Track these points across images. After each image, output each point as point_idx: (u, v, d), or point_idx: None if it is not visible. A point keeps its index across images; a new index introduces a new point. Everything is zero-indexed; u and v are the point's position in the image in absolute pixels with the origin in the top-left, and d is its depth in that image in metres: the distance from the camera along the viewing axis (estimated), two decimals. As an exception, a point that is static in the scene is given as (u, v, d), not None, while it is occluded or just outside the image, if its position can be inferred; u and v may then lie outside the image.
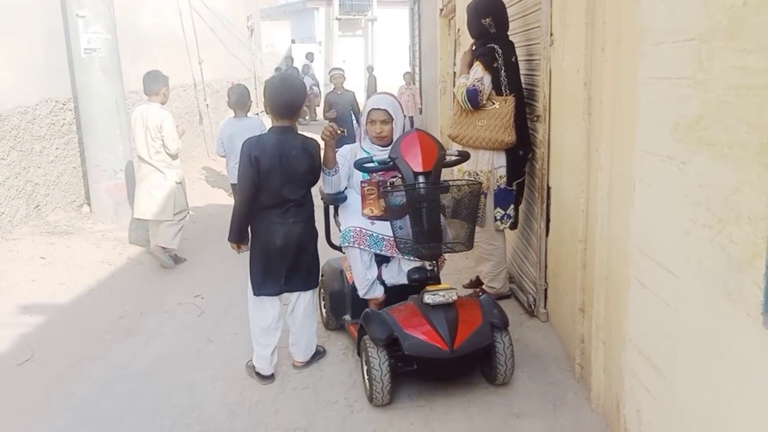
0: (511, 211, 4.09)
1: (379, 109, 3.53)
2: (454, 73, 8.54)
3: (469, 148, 3.90)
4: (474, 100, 3.89)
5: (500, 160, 3.99)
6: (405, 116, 3.84)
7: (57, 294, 4.71)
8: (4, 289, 4.59)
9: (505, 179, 4.00)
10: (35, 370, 3.64)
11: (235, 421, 3.06)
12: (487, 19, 3.97)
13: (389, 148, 3.43)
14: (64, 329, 4.17)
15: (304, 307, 3.45)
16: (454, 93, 4.20)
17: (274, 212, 3.25)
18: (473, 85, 3.88)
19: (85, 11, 5.90)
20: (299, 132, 3.35)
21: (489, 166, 3.99)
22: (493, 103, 3.90)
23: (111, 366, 3.66)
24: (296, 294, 3.43)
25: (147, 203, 5.29)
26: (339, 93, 8.79)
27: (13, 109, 5.48)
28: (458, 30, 7.73)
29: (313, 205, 3.40)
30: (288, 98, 3.27)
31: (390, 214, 3.26)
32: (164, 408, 3.18)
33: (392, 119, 3.53)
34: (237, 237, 3.31)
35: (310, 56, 18.49)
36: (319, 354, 3.60)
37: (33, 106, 5.76)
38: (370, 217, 3.53)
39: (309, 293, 3.47)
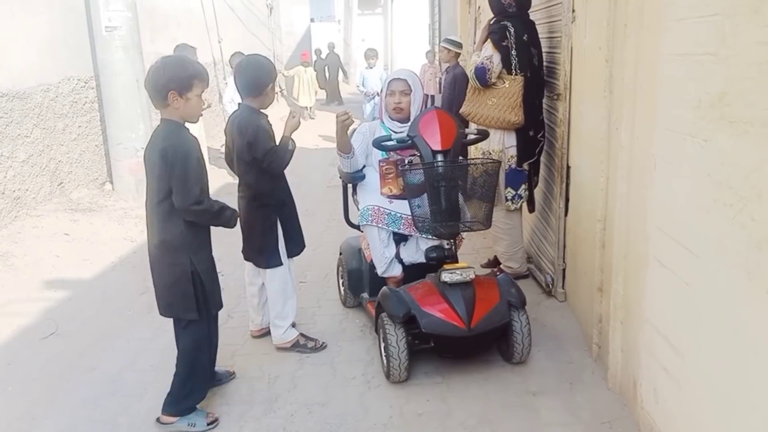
0: (522, 191, 4.06)
1: (399, 79, 3.57)
2: (473, 49, 8.43)
3: (480, 126, 3.89)
4: (482, 78, 3.86)
5: (511, 140, 3.96)
6: (426, 95, 3.81)
7: (80, 270, 4.79)
8: (29, 264, 4.69)
9: (515, 159, 3.97)
10: (60, 343, 3.72)
11: (255, 395, 3.11)
12: None
13: (407, 125, 3.43)
14: (88, 304, 4.26)
15: (267, 284, 3.47)
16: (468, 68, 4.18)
17: (238, 185, 3.41)
18: (482, 63, 3.86)
19: (106, -11, 5.93)
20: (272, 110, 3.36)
21: (500, 146, 3.97)
22: (504, 82, 3.87)
23: (133, 340, 3.73)
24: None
25: None
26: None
27: (35, 87, 5.55)
28: (479, 8, 7.63)
29: (257, 185, 3.30)
30: (251, 77, 3.25)
31: (408, 192, 3.27)
32: (185, 381, 3.24)
33: (411, 91, 3.53)
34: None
35: (330, 45, 18.30)
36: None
37: (55, 84, 5.83)
38: (389, 197, 3.54)
39: (268, 272, 3.42)
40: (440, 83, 7.81)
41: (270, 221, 3.36)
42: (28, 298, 4.27)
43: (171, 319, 2.87)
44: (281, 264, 3.39)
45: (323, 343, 3.54)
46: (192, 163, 2.64)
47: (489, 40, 3.88)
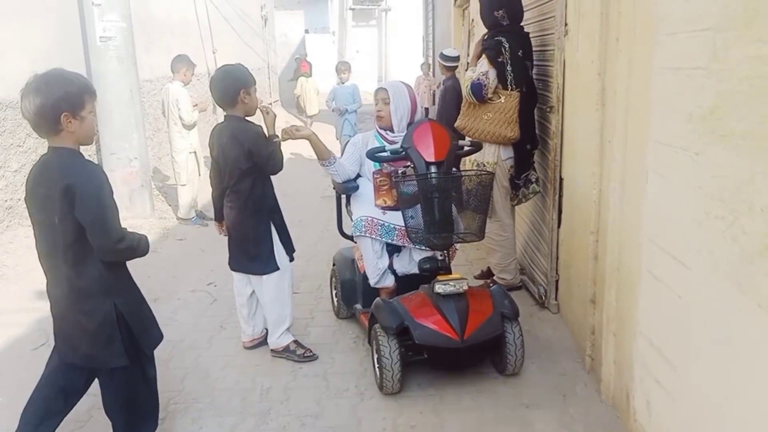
0: (535, 181, 4.07)
1: (381, 88, 3.66)
2: (467, 63, 8.48)
3: (474, 140, 3.90)
4: (478, 93, 3.88)
5: (507, 152, 3.99)
6: (421, 107, 3.82)
7: (72, 280, 4.76)
8: (21, 274, 4.66)
9: (514, 170, 4.01)
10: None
11: (247, 407, 3.09)
12: (500, 11, 3.95)
13: (401, 135, 3.45)
14: (79, 315, 4.22)
15: (261, 291, 3.49)
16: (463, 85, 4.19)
17: (226, 195, 3.42)
18: (478, 79, 3.88)
19: (101, 0, 5.93)
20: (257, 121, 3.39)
21: (495, 158, 3.99)
22: (500, 98, 3.90)
23: (125, 351, 3.70)
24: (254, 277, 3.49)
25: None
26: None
27: (29, 97, 5.53)
28: (472, 20, 7.69)
29: (251, 192, 3.32)
30: (221, 88, 3.30)
31: (401, 203, 3.27)
32: (178, 394, 3.22)
33: (390, 100, 3.55)
34: (215, 216, 3.62)
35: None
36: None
37: (49, 94, 5.81)
38: (383, 208, 3.55)
39: (264, 279, 3.44)
40: (434, 95, 7.85)
41: (264, 226, 3.39)
42: (21, 308, 4.24)
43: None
44: (277, 269, 3.40)
45: (314, 354, 3.53)
46: (106, 197, 2.24)
47: (484, 55, 3.90)
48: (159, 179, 7.72)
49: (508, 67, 3.85)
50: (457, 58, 7.53)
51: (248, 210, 3.36)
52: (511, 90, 3.87)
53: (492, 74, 3.86)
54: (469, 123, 4.03)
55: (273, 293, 3.44)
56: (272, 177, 3.41)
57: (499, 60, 3.85)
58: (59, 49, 6.03)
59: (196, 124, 6.43)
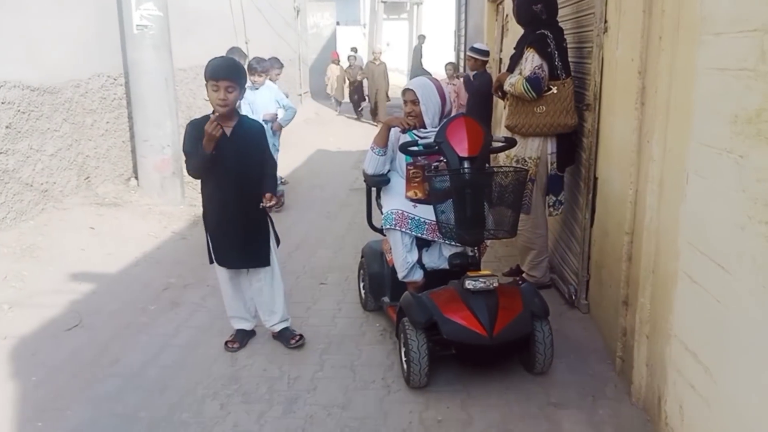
0: (563, 197, 4.08)
1: (408, 89, 3.60)
2: (500, 59, 8.42)
3: (528, 136, 3.93)
4: (538, 87, 3.83)
5: (552, 146, 3.96)
6: (451, 106, 3.75)
7: (105, 264, 4.85)
8: (55, 256, 4.75)
9: (556, 165, 3.98)
10: (83, 335, 3.77)
11: (274, 394, 3.12)
12: (539, 5, 3.92)
13: (432, 131, 3.43)
14: (111, 298, 4.30)
15: (270, 280, 3.56)
16: (507, 90, 4.10)
17: None
18: (534, 73, 3.82)
19: (139, -12, 6.01)
20: None
21: (538, 153, 3.96)
22: (550, 89, 3.86)
23: (155, 336, 3.76)
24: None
25: None
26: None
27: (66, 82, 5.63)
28: (506, 16, 7.62)
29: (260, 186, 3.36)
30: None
31: (433, 197, 3.26)
32: (206, 378, 3.27)
33: (419, 101, 3.52)
34: None
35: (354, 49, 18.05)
36: None
37: (85, 80, 5.90)
38: (413, 200, 3.54)
39: (275, 267, 3.56)
40: (458, 95, 7.87)
41: (266, 217, 3.47)
42: (55, 290, 4.32)
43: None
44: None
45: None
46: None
47: (532, 49, 3.85)
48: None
49: (557, 58, 3.85)
50: (487, 53, 7.54)
51: (257, 203, 3.37)
52: (563, 79, 3.87)
53: (546, 66, 3.84)
54: (521, 120, 3.97)
55: (280, 277, 3.61)
56: (272, 171, 3.46)
57: (548, 51, 3.84)
58: (96, 37, 6.11)
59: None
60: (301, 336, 3.58)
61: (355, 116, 15.38)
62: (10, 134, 4.89)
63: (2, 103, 4.80)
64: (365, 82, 14.86)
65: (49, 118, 5.38)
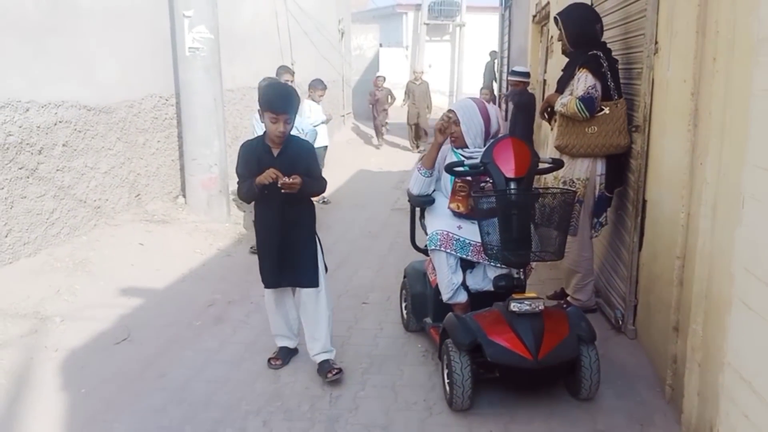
0: (604, 219, 4.06)
1: (450, 110, 3.63)
2: (544, 80, 8.41)
3: (578, 156, 3.91)
4: (591, 107, 3.80)
5: (601, 167, 3.92)
6: (498, 126, 3.72)
7: (153, 279, 4.96)
8: (105, 271, 4.88)
9: (604, 186, 3.95)
10: (131, 349, 3.85)
11: (316, 413, 3.12)
12: (599, 24, 3.94)
13: (478, 151, 3.43)
14: (159, 313, 4.39)
15: (318, 303, 3.53)
16: (558, 110, 4.07)
17: None
18: (587, 93, 3.79)
19: (191, 11, 6.19)
20: None
21: (587, 174, 3.92)
22: (602, 109, 3.83)
23: (201, 351, 3.82)
24: None
25: None
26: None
27: (120, 102, 5.82)
28: (551, 37, 7.60)
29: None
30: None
31: (478, 214, 3.25)
32: (250, 395, 3.30)
33: (460, 122, 3.53)
34: None
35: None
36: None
37: (139, 101, 6.10)
38: (454, 213, 3.52)
39: (323, 289, 3.55)
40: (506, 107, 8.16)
41: (316, 237, 3.51)
42: (105, 304, 4.43)
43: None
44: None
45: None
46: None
47: (586, 69, 3.82)
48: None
49: (609, 78, 3.84)
50: (528, 74, 7.67)
51: (311, 224, 3.54)
52: (616, 99, 3.85)
53: (599, 86, 3.81)
54: (572, 140, 3.93)
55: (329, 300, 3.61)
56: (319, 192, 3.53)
57: (602, 71, 3.82)
58: (149, 59, 6.31)
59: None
60: (340, 370, 3.41)
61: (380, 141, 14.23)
62: (67, 152, 5.08)
63: (60, 121, 4.99)
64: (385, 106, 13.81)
65: (104, 137, 5.56)
